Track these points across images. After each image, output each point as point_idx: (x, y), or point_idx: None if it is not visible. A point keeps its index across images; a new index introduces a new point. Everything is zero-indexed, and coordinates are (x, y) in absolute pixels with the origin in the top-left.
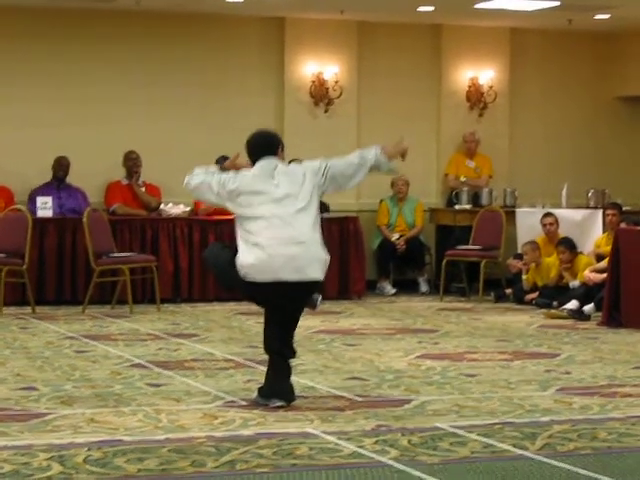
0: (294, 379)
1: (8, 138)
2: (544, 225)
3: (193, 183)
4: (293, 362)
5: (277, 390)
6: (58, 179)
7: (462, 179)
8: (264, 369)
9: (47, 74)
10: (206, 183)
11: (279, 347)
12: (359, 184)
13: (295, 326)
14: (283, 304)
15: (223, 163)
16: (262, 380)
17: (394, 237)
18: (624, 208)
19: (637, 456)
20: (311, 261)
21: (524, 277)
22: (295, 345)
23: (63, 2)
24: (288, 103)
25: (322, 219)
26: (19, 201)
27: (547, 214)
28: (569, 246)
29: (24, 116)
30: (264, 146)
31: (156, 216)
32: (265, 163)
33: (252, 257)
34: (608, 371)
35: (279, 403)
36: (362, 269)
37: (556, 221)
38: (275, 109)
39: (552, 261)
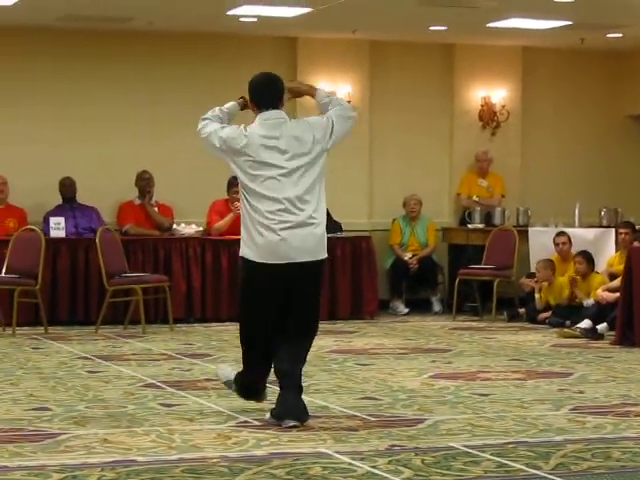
0: (307, 399)
1: (21, 158)
2: (557, 244)
3: (204, 132)
4: (306, 382)
5: (289, 410)
6: (68, 200)
7: (475, 198)
8: (277, 389)
9: (60, 94)
10: (210, 140)
11: (289, 368)
12: None
13: (305, 340)
14: (293, 287)
15: (236, 184)
16: (275, 400)
17: (407, 256)
18: (637, 227)
19: None
20: (320, 241)
21: (537, 296)
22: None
23: (74, 22)
24: None
25: (335, 239)
26: (32, 221)
27: (560, 233)
28: (587, 258)
29: (38, 136)
30: (270, 93)
31: (169, 236)
32: (271, 118)
33: (262, 239)
34: (621, 390)
35: (292, 423)
36: (375, 289)
37: (569, 240)
38: None
39: (565, 280)
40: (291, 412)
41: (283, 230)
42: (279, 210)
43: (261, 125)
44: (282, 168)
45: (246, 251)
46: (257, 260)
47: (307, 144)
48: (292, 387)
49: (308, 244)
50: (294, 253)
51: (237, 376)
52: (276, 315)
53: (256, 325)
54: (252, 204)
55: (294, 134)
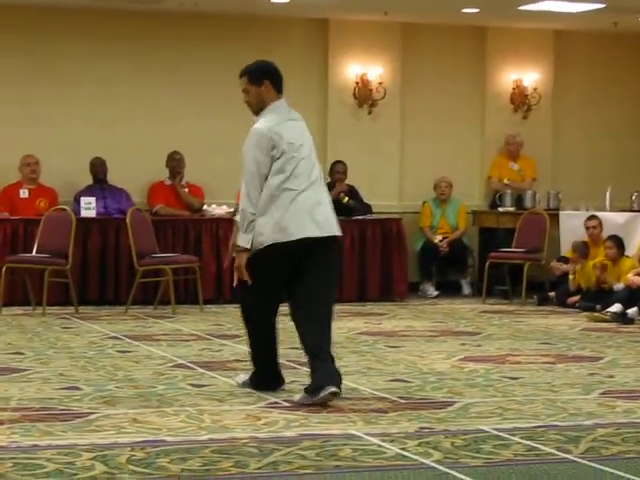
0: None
1: (53, 138)
2: (587, 228)
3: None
4: (336, 363)
5: (329, 377)
6: (99, 180)
7: (505, 182)
8: (307, 370)
9: (91, 74)
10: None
11: (320, 341)
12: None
13: (328, 313)
14: (318, 262)
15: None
16: (305, 381)
17: (437, 239)
18: None
19: None
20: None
21: (570, 277)
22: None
23: (106, 2)
24: (332, 104)
25: (365, 221)
26: (63, 202)
27: (591, 217)
28: (617, 243)
29: (69, 116)
30: (281, 81)
31: (199, 217)
32: (285, 104)
33: (294, 218)
34: None
35: (333, 389)
36: (405, 271)
37: (600, 224)
38: (319, 110)
39: (591, 265)
40: (331, 379)
41: (314, 207)
42: (309, 187)
43: (284, 110)
44: (304, 150)
45: (277, 235)
46: (291, 239)
47: (306, 129)
48: (327, 358)
49: (331, 219)
50: (324, 227)
51: (255, 372)
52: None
53: (273, 303)
54: (284, 187)
55: (298, 118)
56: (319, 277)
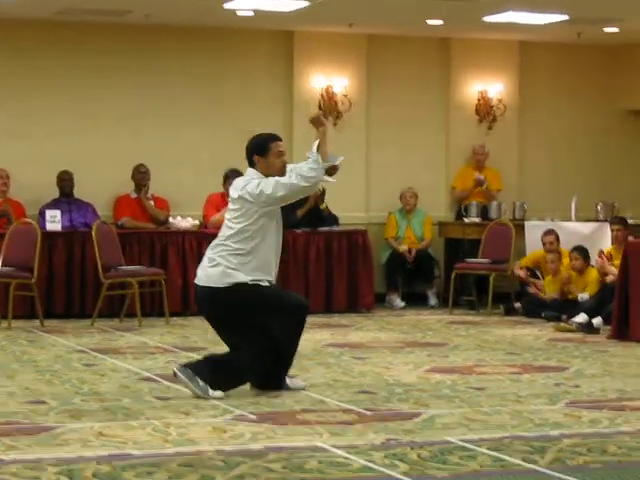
0: (304, 392)
1: (20, 152)
2: (544, 244)
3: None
4: (302, 376)
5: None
6: (65, 194)
7: (477, 175)
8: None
9: (57, 88)
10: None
11: None
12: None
13: None
14: None
15: (233, 177)
16: (275, 394)
17: (402, 248)
18: (630, 221)
19: None
20: None
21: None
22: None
23: (71, 16)
24: (297, 116)
25: (331, 233)
26: (30, 215)
27: (547, 232)
28: (583, 253)
29: (35, 130)
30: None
31: (165, 229)
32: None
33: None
34: (617, 384)
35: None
36: (371, 282)
37: (557, 239)
38: (284, 122)
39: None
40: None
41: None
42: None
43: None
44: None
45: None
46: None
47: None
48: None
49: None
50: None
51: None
52: None
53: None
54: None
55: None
56: None
